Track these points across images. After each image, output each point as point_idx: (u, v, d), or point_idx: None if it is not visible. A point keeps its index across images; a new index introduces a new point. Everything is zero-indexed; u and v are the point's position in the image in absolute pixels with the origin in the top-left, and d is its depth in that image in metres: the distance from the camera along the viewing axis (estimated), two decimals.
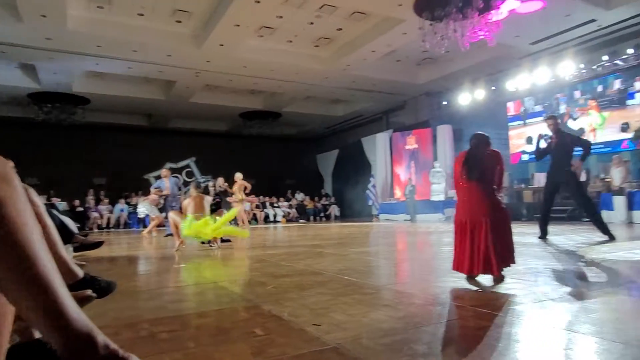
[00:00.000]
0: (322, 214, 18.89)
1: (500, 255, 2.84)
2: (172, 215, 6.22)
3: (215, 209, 7.02)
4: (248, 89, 15.47)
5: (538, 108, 12.78)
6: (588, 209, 5.82)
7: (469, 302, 2.43)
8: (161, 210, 10.34)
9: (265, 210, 17.16)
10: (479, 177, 2.95)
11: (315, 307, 2.35)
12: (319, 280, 3.22)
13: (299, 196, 19.27)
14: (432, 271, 3.78)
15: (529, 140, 12.75)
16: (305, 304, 2.43)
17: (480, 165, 2.97)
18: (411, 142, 15.80)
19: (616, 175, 9.55)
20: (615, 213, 9.20)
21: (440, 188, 14.23)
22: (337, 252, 5.27)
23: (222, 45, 11.00)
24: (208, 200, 6.29)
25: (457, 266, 2.98)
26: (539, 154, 6.03)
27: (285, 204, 18.35)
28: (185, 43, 11.14)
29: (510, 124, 13.51)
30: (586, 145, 5.79)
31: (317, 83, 14.41)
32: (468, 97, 13.46)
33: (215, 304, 2.72)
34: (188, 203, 6.08)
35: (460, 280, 3.01)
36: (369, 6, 9.66)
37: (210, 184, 9.31)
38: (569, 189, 5.82)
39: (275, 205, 17.93)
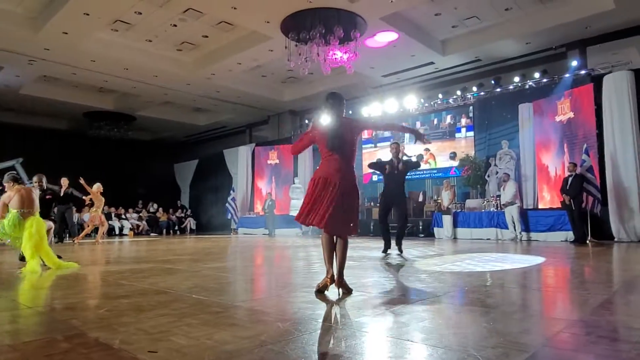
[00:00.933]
0: (176, 227, 17.79)
1: (347, 221, 3.04)
2: None
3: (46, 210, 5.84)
4: (96, 86, 13.91)
5: (387, 134, 14.19)
6: (404, 226, 6.65)
7: (316, 316, 2.47)
8: None
9: (110, 222, 15.43)
10: (338, 148, 3.11)
11: (154, 331, 2.12)
12: (163, 300, 2.95)
13: (152, 207, 17.84)
14: (285, 286, 3.79)
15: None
16: (143, 328, 2.18)
17: (339, 137, 3.13)
18: (273, 157, 16.04)
19: (445, 197, 11.06)
20: (444, 230, 10.63)
21: (299, 203, 14.49)
22: (188, 268, 4.95)
23: (65, 33, 9.70)
24: (37, 194, 5.27)
25: (304, 219, 3.08)
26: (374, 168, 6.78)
27: (135, 215, 16.79)
28: (17, 24, 9.52)
29: (363, 146, 14.68)
30: (417, 165, 6.73)
31: (178, 89, 13.70)
32: (328, 118, 14.25)
33: (29, 334, 2.27)
34: (10, 196, 5.00)
35: (309, 295, 3.06)
36: (236, 18, 9.58)
37: (34, 179, 7.56)
38: (401, 207, 6.54)
39: (123, 216, 16.26)
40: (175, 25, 10.15)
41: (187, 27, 10.28)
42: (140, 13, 9.45)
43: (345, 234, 3.09)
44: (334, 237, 3.14)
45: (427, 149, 13.18)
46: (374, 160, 7.04)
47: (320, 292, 3.07)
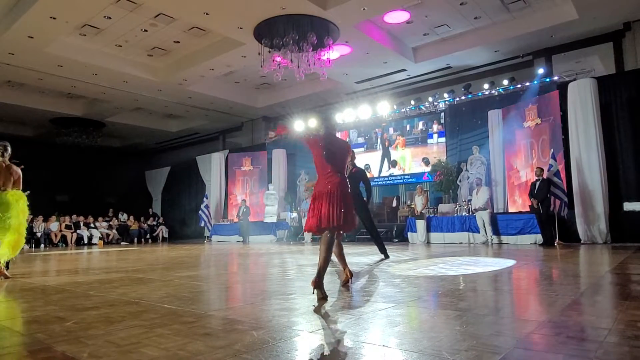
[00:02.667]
0: (148, 236, 17.37)
1: (346, 218, 3.25)
2: None
3: None
4: (64, 91, 13.51)
5: (360, 140, 14.32)
6: (373, 231, 6.63)
7: (290, 323, 2.45)
8: None
9: (78, 231, 14.95)
10: (332, 160, 3.35)
11: (124, 343, 2.05)
12: (133, 311, 2.87)
13: (123, 216, 17.36)
14: (260, 294, 3.74)
15: None
16: (112, 340, 2.11)
17: (335, 149, 3.40)
18: (247, 164, 15.92)
19: (419, 202, 11.20)
20: (417, 234, 10.76)
21: (273, 210, 14.57)
22: (160, 277, 4.84)
23: (31, 37, 9.40)
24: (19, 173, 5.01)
25: (311, 227, 3.30)
26: None
27: (105, 224, 16.31)
28: None
29: None
30: (367, 182, 6.63)
31: (149, 94, 13.45)
32: (302, 125, 14.26)
33: None
34: None
35: (284, 302, 3.04)
36: (208, 24, 9.50)
37: None
38: (361, 214, 6.46)
39: (92, 225, 15.77)
40: (145, 31, 9.99)
41: (158, 33, 10.13)
42: (110, 18, 9.26)
43: (346, 229, 3.40)
44: (331, 238, 3.29)
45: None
46: None
47: (344, 285, 3.50)
